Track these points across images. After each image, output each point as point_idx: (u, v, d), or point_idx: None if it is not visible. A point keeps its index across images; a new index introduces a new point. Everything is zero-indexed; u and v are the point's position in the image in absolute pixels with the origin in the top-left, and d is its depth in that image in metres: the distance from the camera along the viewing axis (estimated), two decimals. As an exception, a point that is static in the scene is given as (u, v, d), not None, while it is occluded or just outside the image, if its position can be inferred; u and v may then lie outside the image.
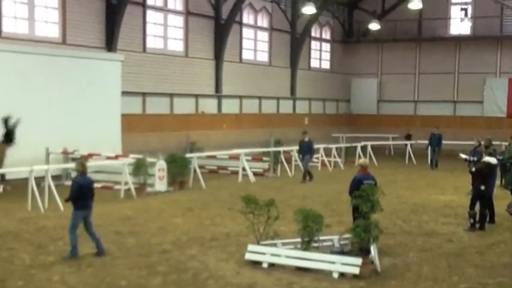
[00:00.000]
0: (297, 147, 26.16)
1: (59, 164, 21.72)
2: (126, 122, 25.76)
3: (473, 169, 16.45)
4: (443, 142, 31.02)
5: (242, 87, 35.14)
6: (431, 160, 30.81)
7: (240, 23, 35.09)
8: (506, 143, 24.86)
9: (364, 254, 11.42)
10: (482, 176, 15.96)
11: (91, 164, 22.15)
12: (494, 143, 22.77)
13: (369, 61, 44.80)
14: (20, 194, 18.19)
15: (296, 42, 39.13)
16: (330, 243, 12.32)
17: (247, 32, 36.05)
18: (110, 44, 26.96)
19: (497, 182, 18.95)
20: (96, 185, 21.22)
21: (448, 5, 42.72)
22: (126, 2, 27.08)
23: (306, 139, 25.31)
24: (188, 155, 23.44)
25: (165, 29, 30.67)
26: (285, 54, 38.95)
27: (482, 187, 15.78)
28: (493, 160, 16.32)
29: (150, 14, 29.63)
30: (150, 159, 21.09)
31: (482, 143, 22.14)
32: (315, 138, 34.45)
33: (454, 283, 11.08)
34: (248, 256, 12.08)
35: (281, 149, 27.63)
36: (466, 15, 41.32)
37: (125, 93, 25.79)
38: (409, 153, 33.47)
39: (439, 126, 32.16)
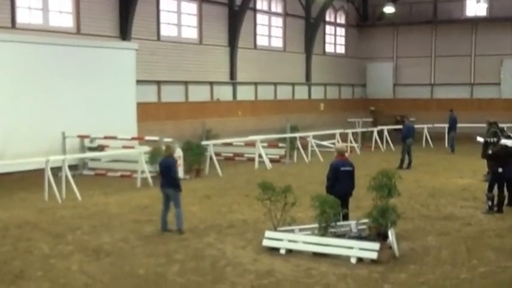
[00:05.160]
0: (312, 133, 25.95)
1: (76, 153, 21.82)
2: (142, 110, 25.78)
3: (490, 151, 16.33)
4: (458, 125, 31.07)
5: (257, 73, 35.04)
6: (452, 144, 30.54)
7: (254, 9, 34.93)
8: None
9: (382, 239, 11.38)
10: (499, 158, 15.86)
11: (108, 153, 22.43)
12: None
13: (384, 45, 44.49)
14: (37, 184, 18.28)
15: (310, 27, 38.92)
16: (347, 228, 12.29)
17: (261, 18, 35.89)
18: (124, 33, 26.94)
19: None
20: (114, 174, 21.78)
21: (463, -14, 42.34)
22: (140, -10, 27.07)
23: None
24: (204, 143, 23.46)
25: (178, 17, 30.59)
26: (300, 40, 38.76)
27: (500, 169, 15.68)
28: (510, 143, 16.17)
29: (163, 1, 29.54)
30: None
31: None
32: (331, 123, 34.51)
33: (473, 267, 11.01)
34: (265, 243, 12.08)
35: (297, 135, 27.56)
36: (482, -4, 40.90)
37: (139, 82, 25.79)
38: (426, 136, 33.37)
39: (453, 109, 32.03)
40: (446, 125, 31.60)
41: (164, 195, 13.81)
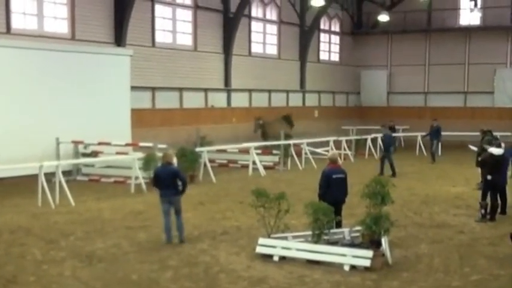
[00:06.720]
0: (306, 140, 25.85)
1: (69, 158, 21.80)
2: (136, 116, 25.79)
3: (479, 159, 16.49)
4: (448, 133, 30.86)
5: (251, 80, 35.10)
6: (431, 153, 30.43)
7: (249, 16, 35.00)
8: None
9: (375, 247, 11.40)
10: (489, 166, 15.96)
11: (101, 159, 22.40)
12: (506, 134, 22.66)
13: (379, 53, 44.61)
14: (31, 189, 18.24)
15: (305, 34, 39.02)
16: (340, 235, 12.31)
17: (256, 25, 35.96)
18: (119, 39, 26.95)
19: (509, 172, 18.81)
20: (107, 180, 21.76)
21: (457, -5, 42.52)
22: (135, -3, 27.10)
23: None
24: (198, 149, 23.46)
25: (173, 23, 30.63)
26: (294, 47, 38.86)
27: (489, 177, 15.78)
28: (496, 151, 16.21)
29: (158, 8, 29.59)
30: (159, 154, 21.12)
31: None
32: (325, 130, 34.53)
33: (465, 274, 11.04)
34: (259, 249, 12.08)
35: (291, 142, 27.60)
36: (475, 5, 41.08)
37: (134, 88, 25.80)
38: (419, 144, 33.42)
39: (437, 118, 32.04)
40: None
41: (167, 205, 13.24)
